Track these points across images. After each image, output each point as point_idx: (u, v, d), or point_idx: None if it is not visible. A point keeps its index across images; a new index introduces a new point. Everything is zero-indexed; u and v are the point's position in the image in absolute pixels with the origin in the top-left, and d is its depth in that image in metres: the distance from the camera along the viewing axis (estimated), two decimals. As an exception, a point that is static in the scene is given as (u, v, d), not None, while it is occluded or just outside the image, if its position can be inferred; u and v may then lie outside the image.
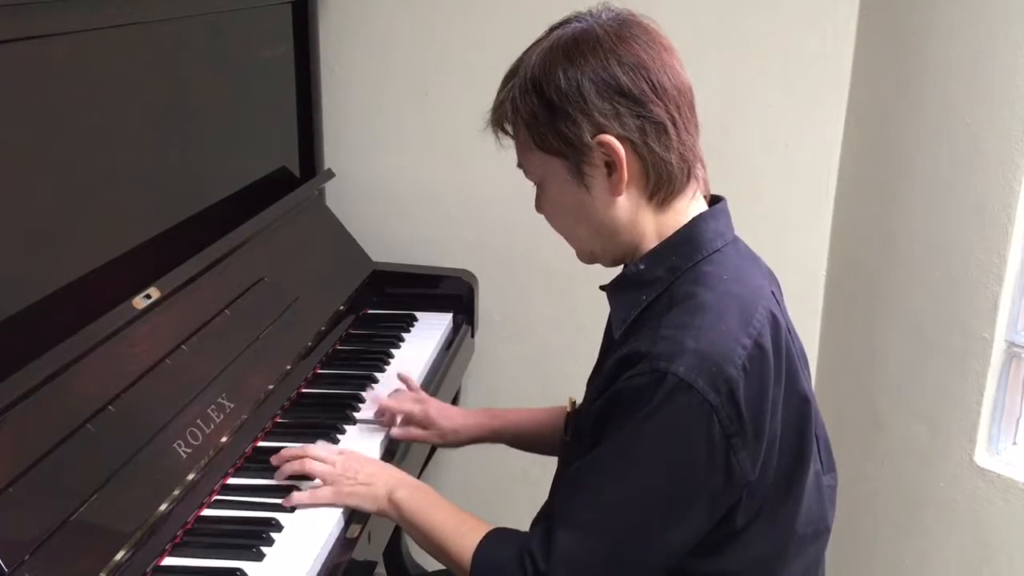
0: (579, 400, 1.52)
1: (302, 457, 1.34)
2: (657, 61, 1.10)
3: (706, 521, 1.10)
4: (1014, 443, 1.86)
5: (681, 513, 1.08)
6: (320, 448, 1.37)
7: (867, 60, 2.00)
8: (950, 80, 1.82)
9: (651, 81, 1.09)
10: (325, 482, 1.32)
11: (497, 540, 1.17)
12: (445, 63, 2.15)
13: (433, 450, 1.93)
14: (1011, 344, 1.80)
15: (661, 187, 1.13)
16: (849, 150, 2.07)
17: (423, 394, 1.61)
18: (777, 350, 1.11)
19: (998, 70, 1.72)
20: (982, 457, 1.84)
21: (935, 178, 1.86)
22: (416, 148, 2.21)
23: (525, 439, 1.57)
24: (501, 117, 1.17)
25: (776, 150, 2.09)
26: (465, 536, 1.18)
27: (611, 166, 1.11)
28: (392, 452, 1.54)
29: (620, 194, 1.13)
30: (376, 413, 1.58)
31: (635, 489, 1.08)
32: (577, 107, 1.09)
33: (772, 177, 2.10)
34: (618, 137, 1.09)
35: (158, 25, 1.53)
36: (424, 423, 1.54)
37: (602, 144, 1.10)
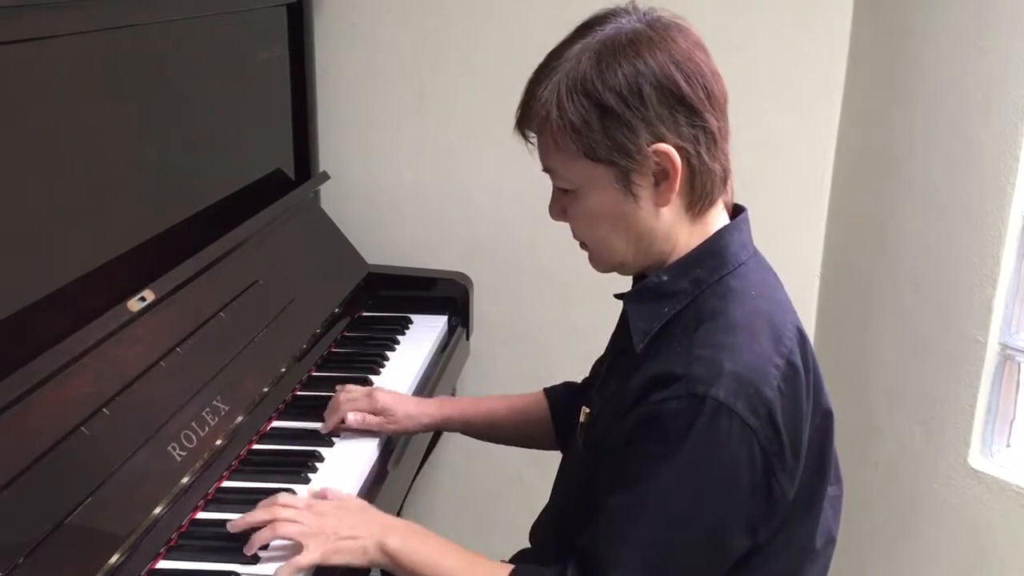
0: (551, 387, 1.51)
1: (270, 521, 1.19)
2: (706, 67, 1.07)
3: (746, 543, 1.08)
4: (1008, 445, 1.87)
5: (726, 537, 1.06)
6: (287, 508, 1.21)
7: (861, 63, 2.00)
8: (943, 83, 1.82)
9: (707, 88, 1.06)
10: (304, 543, 1.17)
11: None
12: (440, 65, 2.15)
13: (430, 449, 1.93)
14: (1005, 346, 1.80)
15: (703, 198, 1.10)
16: (843, 153, 2.08)
17: (371, 388, 1.56)
18: (806, 366, 1.10)
19: (991, 73, 1.72)
20: (976, 459, 1.85)
21: (929, 181, 1.87)
22: (411, 150, 2.21)
23: (478, 429, 1.54)
24: (539, 121, 1.09)
25: (770, 153, 2.09)
26: None
27: (660, 175, 1.07)
28: (387, 457, 1.54)
29: (667, 204, 1.09)
30: (325, 423, 1.54)
31: (680, 522, 1.05)
32: (636, 113, 1.04)
33: (766, 180, 2.10)
34: (675, 147, 1.05)
35: (153, 27, 1.53)
36: (375, 411, 1.51)
37: (659, 153, 1.05)
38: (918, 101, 1.88)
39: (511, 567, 1.14)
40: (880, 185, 1.99)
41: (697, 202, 1.11)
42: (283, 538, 1.19)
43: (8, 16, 1.19)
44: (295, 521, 1.19)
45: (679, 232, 1.13)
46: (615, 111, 1.04)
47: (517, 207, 2.16)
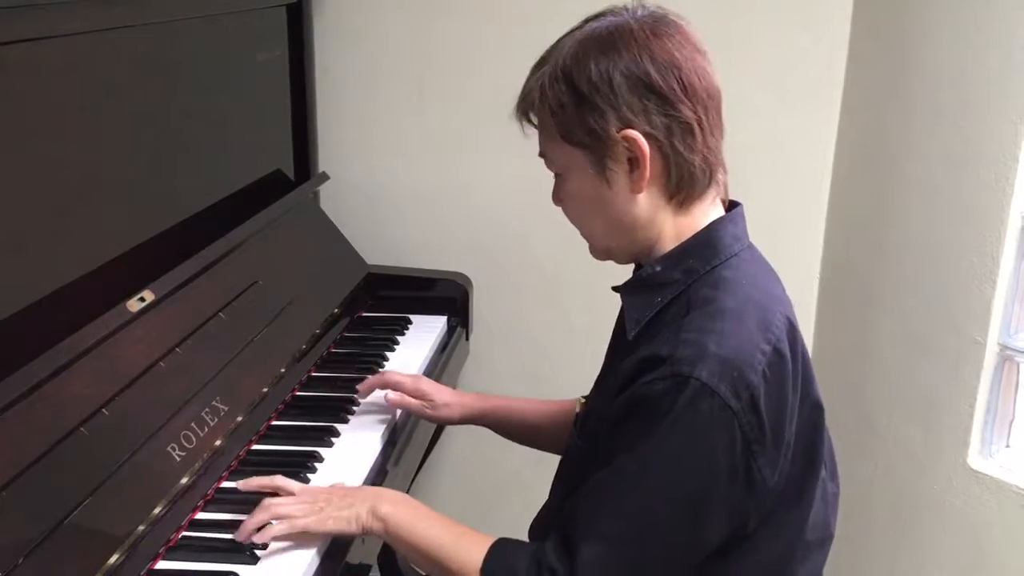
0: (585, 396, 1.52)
1: (268, 485, 1.28)
2: (690, 62, 1.10)
3: (726, 527, 1.09)
4: (1007, 446, 1.87)
5: (703, 520, 1.07)
6: (283, 484, 1.28)
7: (860, 62, 2.00)
8: (942, 83, 1.82)
9: (682, 81, 1.09)
10: (298, 515, 1.22)
11: (506, 555, 1.13)
12: (440, 66, 2.15)
13: (430, 448, 1.93)
14: (1004, 347, 1.80)
15: (682, 188, 1.13)
16: (843, 152, 2.08)
17: (416, 375, 1.63)
18: (794, 356, 1.11)
19: (990, 73, 1.72)
20: (975, 460, 1.85)
21: (928, 180, 1.87)
22: (411, 151, 2.21)
23: (512, 428, 1.57)
24: (528, 105, 1.16)
25: (770, 152, 2.09)
26: (468, 551, 1.14)
27: (633, 162, 1.11)
28: (386, 456, 1.54)
29: (641, 191, 1.12)
30: (363, 388, 1.61)
31: (658, 497, 1.06)
32: (606, 99, 1.08)
33: (766, 179, 2.10)
34: (644, 134, 1.09)
35: (152, 27, 1.53)
36: (416, 395, 1.56)
37: (627, 139, 1.09)
38: (917, 101, 1.88)
39: (494, 539, 1.15)
40: (879, 185, 1.99)
41: (677, 192, 1.13)
42: (277, 517, 1.22)
43: (8, 16, 1.19)
44: (289, 501, 1.24)
45: (662, 221, 1.15)
46: (586, 96, 1.09)
47: (517, 207, 2.16)
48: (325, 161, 2.16)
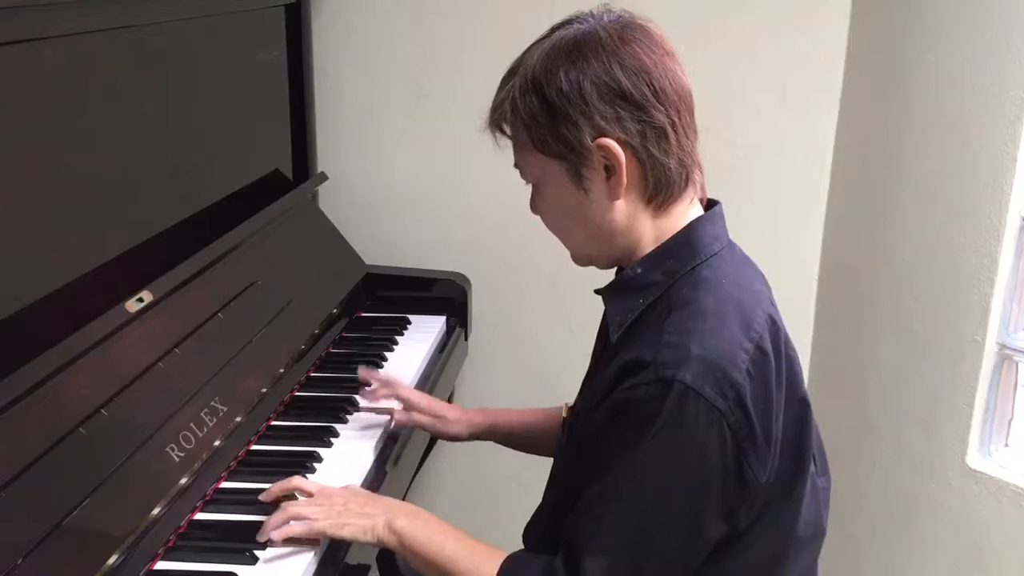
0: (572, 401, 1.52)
1: (287, 489, 1.28)
2: (659, 65, 1.10)
3: (723, 526, 1.10)
4: (1006, 445, 1.87)
5: (701, 522, 1.08)
6: (300, 484, 1.29)
7: (858, 63, 2.01)
8: (941, 83, 1.83)
9: (653, 86, 1.09)
10: (315, 517, 1.23)
11: (518, 570, 1.14)
12: (438, 66, 2.15)
13: (426, 454, 1.93)
14: (1003, 346, 1.80)
15: (659, 192, 1.13)
16: (841, 152, 2.08)
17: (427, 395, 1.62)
18: (777, 353, 1.11)
19: (988, 73, 1.72)
20: (974, 459, 1.85)
21: (926, 180, 1.87)
22: (409, 151, 2.21)
23: (517, 439, 1.57)
24: (500, 117, 1.16)
25: (768, 153, 2.10)
26: (480, 566, 1.15)
27: (610, 170, 1.11)
28: (385, 457, 1.54)
29: (618, 198, 1.12)
30: (370, 394, 1.60)
31: (655, 504, 1.07)
32: (578, 109, 1.08)
33: (764, 180, 2.10)
34: (618, 141, 1.09)
35: (151, 28, 1.53)
36: (429, 413, 1.55)
37: (602, 148, 1.09)
38: (916, 101, 1.88)
39: (507, 553, 1.16)
40: (878, 185, 1.99)
41: (654, 196, 1.13)
42: (294, 517, 1.23)
43: (8, 16, 1.19)
44: (308, 496, 1.26)
45: (641, 225, 1.15)
46: (558, 107, 1.09)
47: (515, 207, 2.14)
48: (324, 161, 2.16)
